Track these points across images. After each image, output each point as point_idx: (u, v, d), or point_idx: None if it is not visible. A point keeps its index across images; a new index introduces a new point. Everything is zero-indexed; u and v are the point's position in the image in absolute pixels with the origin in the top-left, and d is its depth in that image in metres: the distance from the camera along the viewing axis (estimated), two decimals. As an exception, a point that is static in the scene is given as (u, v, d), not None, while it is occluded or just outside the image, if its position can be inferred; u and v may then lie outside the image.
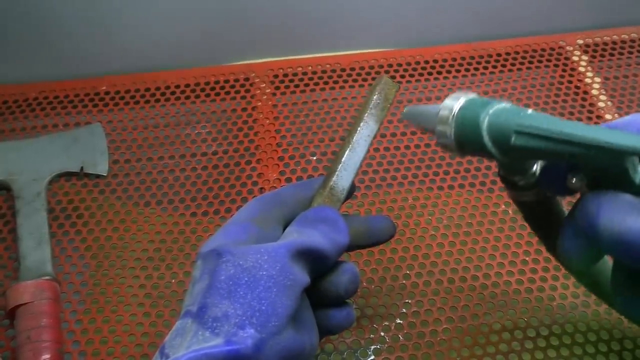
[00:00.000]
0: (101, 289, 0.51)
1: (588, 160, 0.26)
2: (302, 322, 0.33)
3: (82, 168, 0.58)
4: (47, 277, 0.49)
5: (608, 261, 0.35)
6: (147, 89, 0.66)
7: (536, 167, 0.32)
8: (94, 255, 0.53)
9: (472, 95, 0.31)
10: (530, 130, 0.27)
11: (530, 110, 0.29)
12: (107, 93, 0.65)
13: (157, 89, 0.66)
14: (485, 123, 0.29)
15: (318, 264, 0.34)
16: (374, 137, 0.37)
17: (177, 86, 0.66)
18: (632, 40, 0.71)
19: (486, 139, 0.29)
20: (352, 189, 0.38)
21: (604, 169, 0.26)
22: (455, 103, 0.30)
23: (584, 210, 0.27)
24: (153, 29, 0.66)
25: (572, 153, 0.26)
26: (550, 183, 0.31)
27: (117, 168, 0.59)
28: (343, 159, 0.37)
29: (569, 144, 0.26)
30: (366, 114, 0.37)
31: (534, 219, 0.36)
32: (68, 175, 0.58)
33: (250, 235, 0.34)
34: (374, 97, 0.37)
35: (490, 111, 0.29)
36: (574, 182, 0.28)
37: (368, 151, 0.38)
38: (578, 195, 0.30)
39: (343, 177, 0.36)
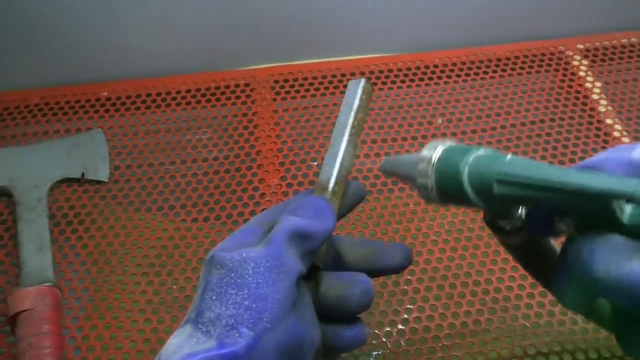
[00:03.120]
0: (102, 295, 0.51)
1: (573, 205, 0.26)
2: (301, 315, 0.32)
3: (83, 174, 0.58)
4: (48, 284, 0.49)
5: None
6: (148, 95, 0.66)
7: (521, 211, 0.32)
8: (95, 261, 0.53)
9: (449, 143, 0.31)
10: (512, 179, 0.27)
11: (509, 156, 0.28)
12: (108, 99, 0.65)
13: (158, 94, 0.66)
14: (465, 173, 0.28)
15: (308, 246, 0.33)
16: (354, 130, 0.38)
17: (178, 92, 0.66)
18: (632, 45, 0.71)
19: (468, 189, 0.28)
20: (340, 180, 0.36)
21: (590, 212, 0.26)
22: (433, 153, 0.30)
23: (577, 257, 0.26)
24: (154, 35, 0.66)
25: (557, 199, 0.26)
26: (537, 226, 0.31)
27: (118, 174, 0.59)
28: (325, 155, 0.37)
29: (552, 191, 0.26)
30: (341, 114, 0.38)
31: (525, 260, 0.36)
32: (69, 181, 0.58)
33: (252, 238, 0.34)
34: (350, 98, 0.38)
35: (470, 160, 0.28)
36: (561, 226, 0.28)
37: (349, 144, 0.37)
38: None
39: (326, 170, 0.37)
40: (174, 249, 0.53)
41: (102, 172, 0.59)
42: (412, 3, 0.68)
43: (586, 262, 0.25)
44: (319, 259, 0.35)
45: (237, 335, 0.29)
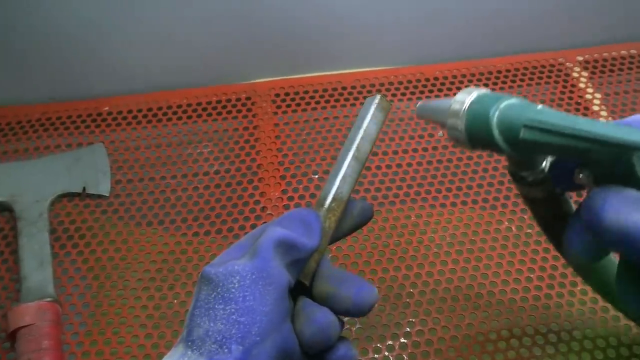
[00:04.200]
0: (103, 310, 0.50)
1: (595, 156, 0.26)
2: (292, 326, 0.32)
3: (84, 188, 0.58)
4: (48, 299, 0.48)
5: (614, 260, 0.35)
6: (150, 109, 0.66)
7: (545, 164, 0.32)
8: (96, 276, 0.53)
9: (484, 90, 0.32)
10: (539, 125, 0.27)
11: (540, 106, 0.29)
12: (109, 113, 0.65)
13: (159, 108, 0.66)
14: (495, 117, 0.29)
15: (294, 257, 0.32)
16: (362, 147, 0.37)
17: (179, 106, 0.66)
18: (632, 57, 0.71)
19: (496, 132, 0.29)
20: (339, 197, 0.36)
21: (611, 164, 0.26)
22: (467, 97, 0.31)
23: (590, 204, 0.26)
24: (155, 50, 0.67)
25: (580, 148, 0.26)
26: (558, 178, 0.32)
27: (119, 188, 0.59)
28: (329, 174, 0.37)
29: (577, 139, 0.26)
30: (352, 130, 0.38)
31: (543, 216, 0.36)
32: (70, 195, 0.58)
33: (243, 252, 0.33)
34: (362, 116, 0.38)
35: (501, 106, 0.29)
36: (581, 177, 0.28)
37: (354, 161, 0.36)
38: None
39: (327, 187, 0.36)
40: (175, 263, 0.53)
41: (104, 187, 0.59)
42: (412, 17, 0.68)
43: (598, 209, 0.26)
44: (305, 276, 0.34)
45: (226, 351, 0.29)
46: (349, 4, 0.66)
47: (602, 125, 0.26)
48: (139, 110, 0.66)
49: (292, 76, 0.70)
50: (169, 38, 0.66)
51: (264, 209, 0.57)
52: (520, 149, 0.29)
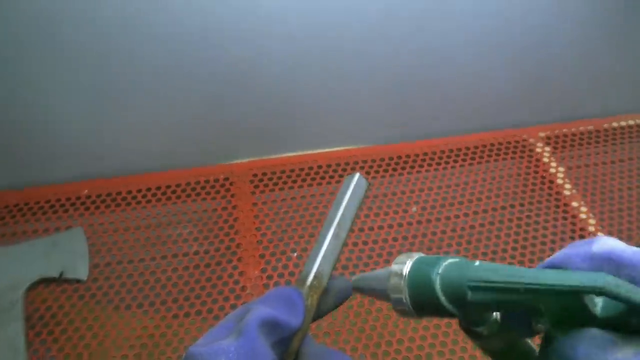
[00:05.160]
0: (79, 400, 0.49)
1: (545, 304, 0.27)
2: None
3: (61, 273, 0.58)
4: (22, 390, 0.47)
5: None
6: (129, 192, 0.67)
7: (496, 314, 0.31)
8: (72, 363, 0.51)
9: (416, 256, 0.31)
10: (485, 284, 0.27)
11: (478, 262, 0.29)
12: (88, 197, 0.66)
13: (139, 191, 0.67)
14: (438, 283, 0.29)
15: (278, 336, 0.33)
16: (341, 225, 0.38)
17: (158, 188, 0.67)
18: (590, 132, 0.76)
19: (442, 298, 0.28)
20: (321, 275, 0.36)
21: (563, 309, 0.26)
22: (403, 267, 0.30)
23: (560, 355, 0.26)
24: (134, 134, 0.68)
25: (529, 300, 0.27)
26: (513, 328, 0.31)
27: (97, 272, 0.59)
28: (311, 249, 0.38)
29: (525, 293, 0.26)
30: (332, 209, 0.39)
31: None
32: (47, 281, 0.57)
33: (227, 332, 0.34)
34: (341, 194, 0.39)
35: (441, 270, 0.29)
36: (537, 325, 0.28)
37: (334, 239, 0.37)
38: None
39: (308, 265, 0.37)
40: (154, 347, 0.52)
41: (81, 271, 0.58)
42: (385, 97, 0.72)
43: (570, 358, 0.25)
44: (289, 355, 0.34)
45: None
46: (323, 87, 0.69)
47: (546, 274, 0.26)
48: (118, 193, 0.66)
49: (270, 157, 0.72)
50: (148, 123, 0.68)
51: (243, 288, 0.57)
52: (469, 310, 0.29)
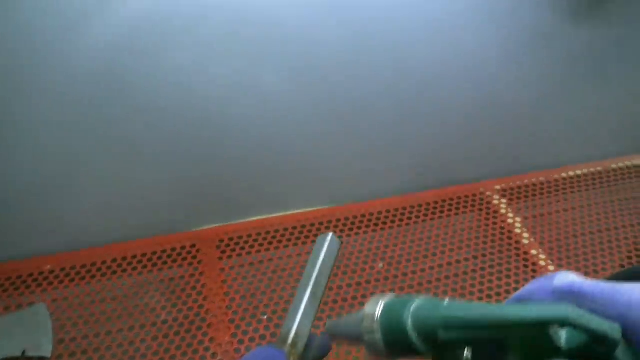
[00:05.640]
0: None
1: (514, 339, 0.28)
2: None
3: (24, 352, 0.56)
4: None
5: None
6: (93, 264, 0.66)
7: (467, 352, 0.32)
8: None
9: (388, 297, 0.31)
10: (455, 323, 0.28)
11: (447, 300, 0.30)
12: (51, 271, 0.65)
13: (104, 262, 0.66)
14: (409, 324, 0.29)
15: None
16: (318, 284, 0.39)
17: (124, 258, 0.67)
18: (542, 183, 0.79)
19: (414, 338, 0.29)
20: (301, 333, 0.37)
21: (531, 342, 0.27)
22: (375, 309, 0.31)
23: None
24: (98, 205, 0.68)
25: (498, 335, 0.28)
26: None
27: (62, 347, 0.57)
28: (289, 308, 0.38)
29: (493, 328, 0.28)
30: (307, 268, 0.40)
31: None
32: (9, 360, 0.56)
33: None
34: (316, 254, 0.40)
35: (411, 310, 0.30)
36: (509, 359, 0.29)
37: (312, 297, 0.38)
38: None
39: (288, 324, 0.38)
40: (122, 423, 0.51)
41: (45, 348, 0.57)
42: (344, 160, 0.74)
43: None
44: None
45: None
46: (285, 151, 0.71)
47: (512, 309, 0.28)
48: (83, 266, 0.66)
49: (235, 221, 0.72)
50: (111, 194, 0.68)
51: (214, 355, 0.56)
52: (441, 348, 0.29)
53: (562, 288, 0.29)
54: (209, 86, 0.63)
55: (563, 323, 0.26)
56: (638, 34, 0.75)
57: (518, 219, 0.73)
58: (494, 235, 0.71)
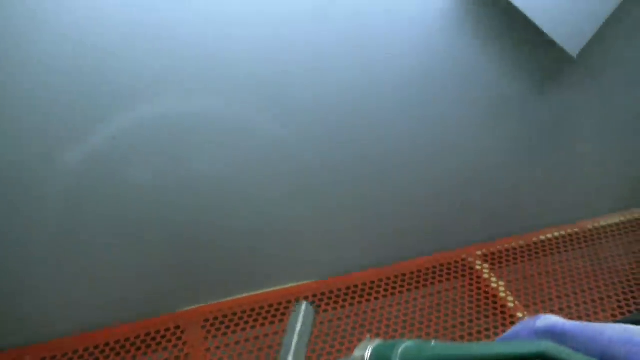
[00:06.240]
0: None
1: None
2: None
3: None
4: None
5: None
6: (75, 351, 0.64)
7: None
8: None
9: (376, 342, 0.33)
10: None
11: (433, 341, 0.31)
12: (31, 361, 0.63)
13: (86, 349, 0.65)
14: None
15: None
16: (297, 352, 0.39)
17: (107, 344, 0.65)
18: (521, 247, 0.81)
19: None
20: None
21: None
22: (364, 353, 0.32)
23: None
24: (78, 291, 0.67)
25: None
26: None
27: None
28: None
29: None
30: (286, 337, 0.40)
31: None
32: None
33: None
34: (292, 322, 0.41)
35: (399, 352, 0.31)
36: None
37: None
38: None
39: None
40: None
41: None
42: (325, 235, 0.75)
43: None
44: None
45: None
46: (267, 228, 0.72)
47: (495, 345, 0.29)
48: (64, 355, 0.64)
49: (220, 300, 0.72)
50: (91, 279, 0.68)
51: None
52: None
53: (544, 328, 0.31)
54: (189, 174, 0.65)
55: (543, 357, 0.27)
56: (595, 100, 0.80)
57: (502, 283, 0.73)
58: (479, 300, 0.71)
